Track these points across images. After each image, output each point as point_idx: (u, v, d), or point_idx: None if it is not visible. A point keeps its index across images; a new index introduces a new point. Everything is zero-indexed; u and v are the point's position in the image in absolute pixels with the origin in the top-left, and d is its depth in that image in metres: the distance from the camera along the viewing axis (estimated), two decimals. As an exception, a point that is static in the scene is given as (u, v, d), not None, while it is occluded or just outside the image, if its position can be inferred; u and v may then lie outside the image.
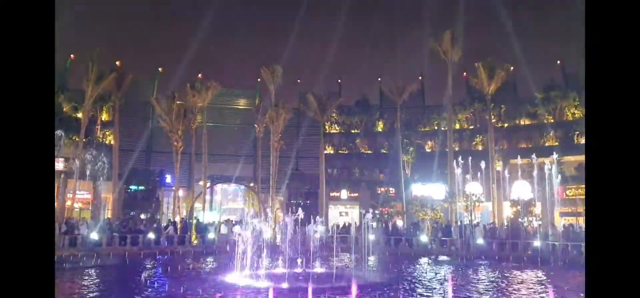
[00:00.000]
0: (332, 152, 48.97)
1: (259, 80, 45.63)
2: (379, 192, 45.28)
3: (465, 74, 45.99)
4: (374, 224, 36.21)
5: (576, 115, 42.31)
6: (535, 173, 31.90)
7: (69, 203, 36.84)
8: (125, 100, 40.44)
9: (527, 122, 45.17)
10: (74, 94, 39.20)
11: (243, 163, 47.12)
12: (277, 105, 42.58)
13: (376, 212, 40.46)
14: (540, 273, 18.39)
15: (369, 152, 49.53)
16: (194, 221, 34.08)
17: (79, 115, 38.26)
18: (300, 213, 20.24)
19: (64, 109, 38.95)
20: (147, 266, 20.89)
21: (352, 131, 50.40)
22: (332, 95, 47.21)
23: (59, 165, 36.75)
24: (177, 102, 40.61)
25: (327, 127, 48.62)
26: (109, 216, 36.98)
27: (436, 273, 18.93)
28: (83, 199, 39.03)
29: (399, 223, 37.22)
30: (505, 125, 45.52)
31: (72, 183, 35.97)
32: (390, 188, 45.30)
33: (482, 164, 35.35)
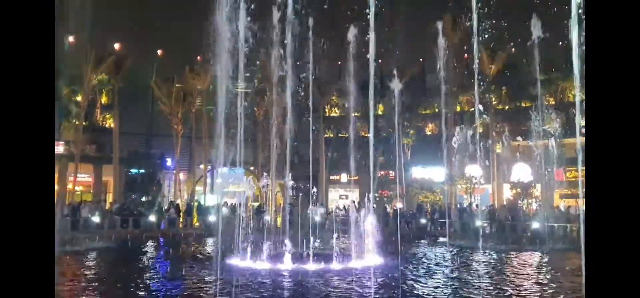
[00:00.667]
0: (332, 135, 48.87)
1: (258, 62, 45.38)
2: (379, 175, 45.33)
3: (466, 56, 45.69)
4: (374, 206, 36.29)
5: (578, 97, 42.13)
6: (535, 154, 31.92)
7: (70, 186, 36.96)
8: (125, 84, 40.30)
9: (528, 104, 45.02)
10: (73, 78, 39.03)
11: (244, 147, 46.92)
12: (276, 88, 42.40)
13: (375, 194, 40.59)
14: (538, 255, 18.49)
15: (369, 135, 49.43)
16: (196, 204, 34.30)
17: (79, 98, 38.17)
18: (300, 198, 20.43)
19: (64, 92, 38.82)
20: (149, 247, 21.02)
21: (353, 114, 50.19)
22: (332, 79, 46.96)
23: (59, 148, 36.80)
24: (177, 85, 40.50)
25: (327, 110, 48.49)
26: (111, 199, 37.14)
27: (435, 255, 19.05)
28: (84, 182, 39.14)
29: (399, 205, 37.34)
30: (506, 107, 45.40)
31: (72, 167, 36.05)
32: (390, 172, 45.33)
33: (480, 145, 35.30)
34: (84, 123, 36.83)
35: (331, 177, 45.83)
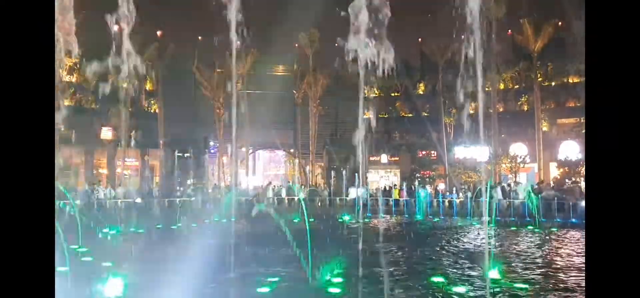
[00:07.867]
0: (370, 116, 48.57)
1: (296, 45, 45.55)
2: (420, 155, 44.87)
3: (510, 31, 44.25)
4: (415, 186, 36.07)
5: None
6: (583, 132, 30.71)
7: (118, 170, 38.52)
8: (168, 70, 41.37)
9: (576, 79, 43.26)
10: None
11: (283, 130, 47.47)
12: (315, 71, 42.52)
13: (417, 175, 40.26)
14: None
15: (410, 115, 48.88)
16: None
17: (124, 85, 39.46)
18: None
19: (110, 79, 40.28)
20: (195, 227, 21.71)
21: (392, 95, 49.73)
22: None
23: (108, 134, 38.30)
24: (218, 71, 41.23)
25: (366, 91, 48.14)
26: (157, 181, 38.48)
27: (478, 233, 18.78)
28: (132, 165, 40.67)
29: (441, 186, 36.91)
30: (552, 83, 43.79)
31: (120, 152, 37.51)
32: (432, 152, 44.78)
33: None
34: (130, 109, 38.12)
35: (371, 158, 45.68)
